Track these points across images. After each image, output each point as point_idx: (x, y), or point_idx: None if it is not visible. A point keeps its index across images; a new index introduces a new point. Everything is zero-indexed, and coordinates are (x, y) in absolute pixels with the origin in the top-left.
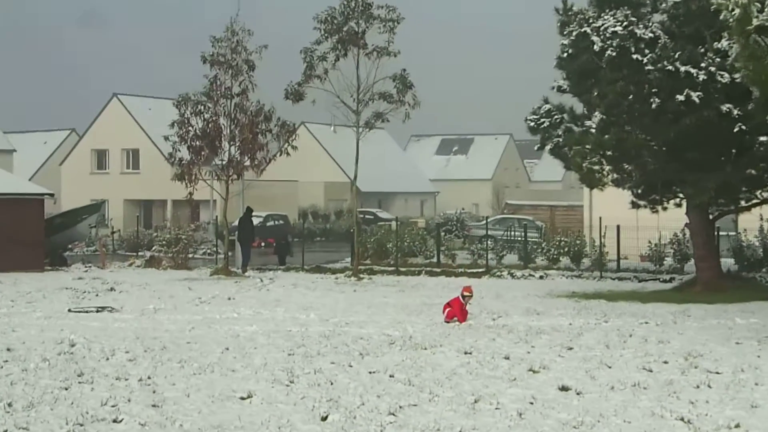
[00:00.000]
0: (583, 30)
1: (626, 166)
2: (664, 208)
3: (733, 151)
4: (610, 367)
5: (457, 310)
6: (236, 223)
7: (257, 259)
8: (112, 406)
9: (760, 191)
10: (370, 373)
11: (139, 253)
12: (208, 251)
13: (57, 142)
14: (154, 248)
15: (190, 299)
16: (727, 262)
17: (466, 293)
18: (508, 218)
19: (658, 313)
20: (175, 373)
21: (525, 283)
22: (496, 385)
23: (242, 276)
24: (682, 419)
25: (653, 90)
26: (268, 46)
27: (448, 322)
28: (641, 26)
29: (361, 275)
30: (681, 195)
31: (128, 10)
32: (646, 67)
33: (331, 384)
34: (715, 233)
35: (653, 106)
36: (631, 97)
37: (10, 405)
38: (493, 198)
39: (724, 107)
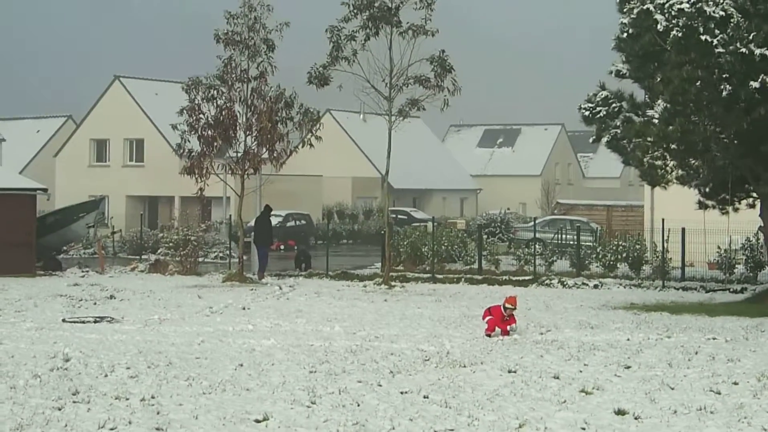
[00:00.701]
0: (645, 7)
1: (693, 161)
2: (735, 209)
3: None
4: (672, 389)
5: (498, 320)
6: (252, 223)
7: (276, 263)
8: (111, 429)
9: None
10: (401, 393)
11: (143, 257)
12: (221, 255)
13: (51, 131)
14: (159, 251)
15: (199, 309)
16: None
17: (508, 305)
18: (559, 219)
19: (728, 327)
20: (182, 392)
21: (577, 293)
22: (544, 408)
23: (259, 283)
24: None
25: (724, 75)
26: (290, 23)
27: (489, 336)
28: (711, 3)
29: (393, 283)
30: (755, 194)
31: None
32: (717, 50)
33: (358, 405)
34: None
35: (724, 93)
36: (699, 83)
37: None
38: (542, 196)
39: None
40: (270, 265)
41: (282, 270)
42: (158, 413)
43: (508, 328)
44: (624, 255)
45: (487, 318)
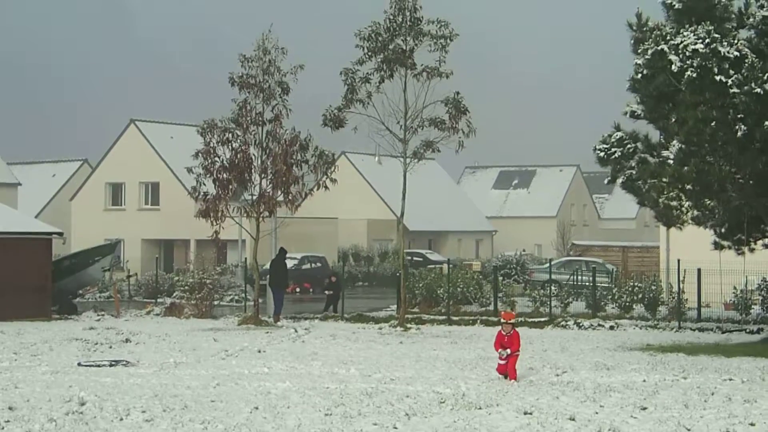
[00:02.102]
0: (659, 48)
1: (708, 202)
2: (751, 250)
3: None
4: (689, 430)
5: (498, 344)
6: (268, 265)
7: (291, 306)
8: None
9: None
10: None
11: (159, 300)
12: (236, 298)
13: (67, 175)
14: (175, 294)
15: (215, 352)
16: None
17: (503, 320)
18: (575, 261)
19: (744, 368)
20: None
21: (593, 334)
22: None
23: (274, 325)
24: None
25: (739, 115)
26: (305, 66)
27: (503, 375)
28: (725, 44)
29: (409, 325)
30: None
31: (151, 27)
32: (732, 90)
33: None
34: None
35: (739, 133)
36: (714, 123)
37: None
38: (557, 238)
39: None
40: (285, 308)
41: (297, 313)
42: None
43: (502, 353)
44: (640, 296)
45: (499, 361)
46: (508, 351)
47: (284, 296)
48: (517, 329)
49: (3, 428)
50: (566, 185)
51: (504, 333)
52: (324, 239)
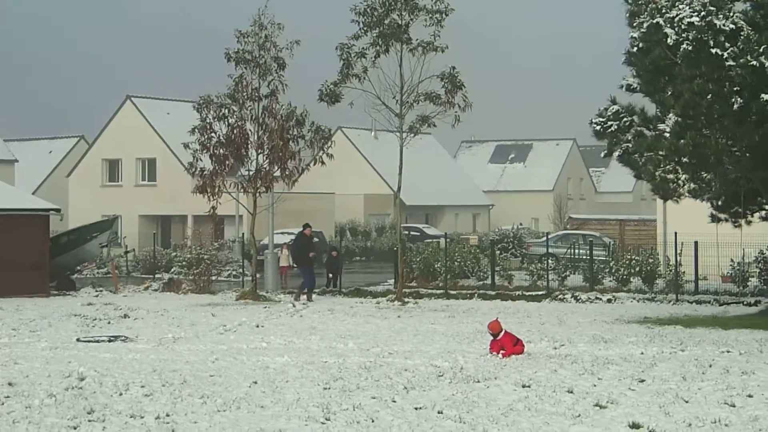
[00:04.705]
0: (655, 21)
1: (705, 175)
2: (748, 222)
3: None
4: (687, 402)
5: (497, 350)
6: (265, 240)
7: (289, 281)
8: None
9: None
10: (416, 409)
11: (156, 276)
12: (234, 273)
13: (64, 151)
14: (172, 270)
15: (213, 327)
16: None
17: (490, 332)
18: (572, 234)
19: (742, 340)
20: (197, 409)
21: (591, 307)
22: (558, 422)
23: (272, 300)
24: None
25: (735, 88)
26: (300, 41)
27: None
28: (721, 16)
29: (406, 299)
30: (767, 207)
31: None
32: (727, 63)
33: (372, 421)
34: None
35: (735, 106)
36: (710, 96)
37: None
38: (554, 211)
39: None
40: (284, 283)
41: (295, 287)
42: (173, 431)
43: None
44: (637, 269)
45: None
46: (504, 350)
47: (312, 271)
48: (505, 331)
49: (3, 404)
50: (563, 159)
51: (496, 339)
52: (321, 214)
